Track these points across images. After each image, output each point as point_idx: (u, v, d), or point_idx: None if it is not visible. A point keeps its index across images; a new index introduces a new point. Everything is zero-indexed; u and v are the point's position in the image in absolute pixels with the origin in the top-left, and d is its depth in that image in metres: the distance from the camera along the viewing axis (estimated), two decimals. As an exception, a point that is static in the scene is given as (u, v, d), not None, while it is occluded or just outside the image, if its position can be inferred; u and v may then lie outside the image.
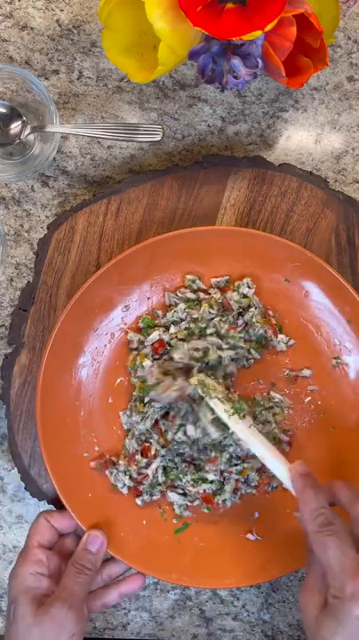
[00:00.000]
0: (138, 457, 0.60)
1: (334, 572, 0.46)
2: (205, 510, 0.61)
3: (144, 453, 0.60)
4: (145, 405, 0.60)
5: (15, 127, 0.62)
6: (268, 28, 0.47)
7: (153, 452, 0.60)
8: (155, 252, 0.59)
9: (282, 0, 0.47)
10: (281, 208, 0.62)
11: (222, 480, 0.60)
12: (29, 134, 0.61)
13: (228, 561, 0.59)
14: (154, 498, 0.61)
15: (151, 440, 0.60)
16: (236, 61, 0.51)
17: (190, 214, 0.62)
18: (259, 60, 0.51)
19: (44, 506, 0.64)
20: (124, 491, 0.60)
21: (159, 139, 0.59)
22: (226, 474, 0.60)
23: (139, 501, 0.60)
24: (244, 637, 0.66)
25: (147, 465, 0.60)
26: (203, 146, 0.64)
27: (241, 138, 0.63)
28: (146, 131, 0.59)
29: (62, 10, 0.63)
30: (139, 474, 0.60)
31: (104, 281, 0.58)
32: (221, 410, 0.55)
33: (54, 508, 0.62)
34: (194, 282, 0.61)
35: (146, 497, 0.60)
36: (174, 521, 0.61)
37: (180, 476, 0.60)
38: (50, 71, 0.63)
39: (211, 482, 0.60)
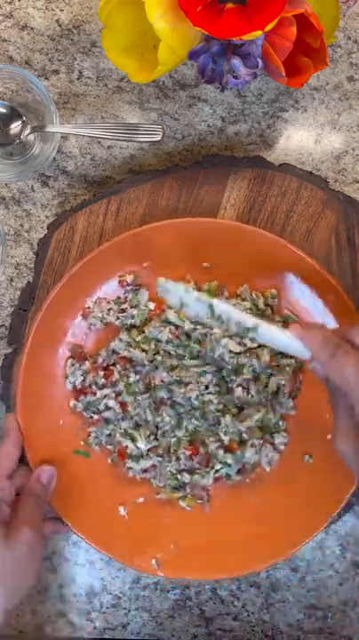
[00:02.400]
0: (100, 372, 0.61)
1: (357, 391, 0.43)
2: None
3: (106, 376, 0.61)
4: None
5: (15, 127, 0.62)
6: (268, 28, 0.47)
7: (114, 379, 0.61)
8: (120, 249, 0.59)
9: (282, 0, 0.47)
10: (281, 208, 0.62)
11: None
12: (29, 134, 0.61)
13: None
14: (92, 418, 0.62)
15: (115, 367, 0.61)
16: (236, 61, 0.51)
17: (190, 214, 0.62)
18: (259, 60, 0.51)
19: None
20: (68, 386, 0.62)
21: (159, 139, 0.59)
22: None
23: (72, 405, 0.62)
24: (244, 637, 0.66)
25: (102, 386, 0.61)
26: (203, 146, 0.64)
27: (241, 138, 0.63)
28: (146, 131, 0.59)
29: (62, 10, 0.63)
30: (90, 386, 0.62)
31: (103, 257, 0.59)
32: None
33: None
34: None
35: (79, 406, 0.62)
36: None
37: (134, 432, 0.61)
38: (50, 71, 0.63)
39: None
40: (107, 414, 0.62)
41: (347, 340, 0.47)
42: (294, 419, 0.62)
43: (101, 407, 0.61)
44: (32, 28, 0.63)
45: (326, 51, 0.52)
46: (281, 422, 0.61)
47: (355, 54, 0.63)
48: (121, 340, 0.61)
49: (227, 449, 0.61)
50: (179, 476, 0.61)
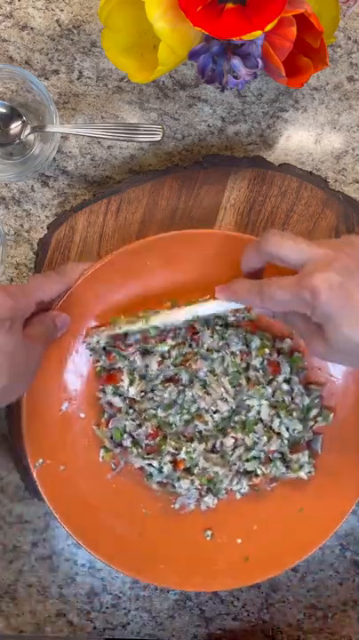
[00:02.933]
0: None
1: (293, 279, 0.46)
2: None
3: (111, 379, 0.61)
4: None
5: (15, 127, 0.62)
6: (268, 28, 0.47)
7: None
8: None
9: (282, 0, 0.47)
10: (281, 208, 0.62)
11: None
12: (29, 134, 0.61)
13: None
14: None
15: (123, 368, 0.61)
16: (236, 61, 0.51)
17: (190, 214, 0.62)
18: (259, 60, 0.51)
19: (44, 506, 0.64)
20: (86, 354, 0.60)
21: (159, 139, 0.59)
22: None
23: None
24: (244, 637, 0.66)
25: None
26: (203, 146, 0.64)
27: (241, 138, 0.63)
28: (146, 131, 0.59)
29: (62, 10, 0.63)
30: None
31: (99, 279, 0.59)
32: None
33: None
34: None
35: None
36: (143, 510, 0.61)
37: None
38: (50, 71, 0.63)
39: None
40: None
41: (262, 270, 0.51)
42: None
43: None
44: (32, 28, 0.63)
45: (326, 51, 0.52)
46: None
47: (355, 54, 0.63)
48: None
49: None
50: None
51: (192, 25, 0.48)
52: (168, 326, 0.58)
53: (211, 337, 0.60)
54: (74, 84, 0.63)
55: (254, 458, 0.60)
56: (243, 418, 0.60)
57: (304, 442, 0.61)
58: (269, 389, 0.60)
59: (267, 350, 0.60)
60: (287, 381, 0.60)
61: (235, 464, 0.60)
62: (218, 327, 0.60)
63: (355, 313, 0.43)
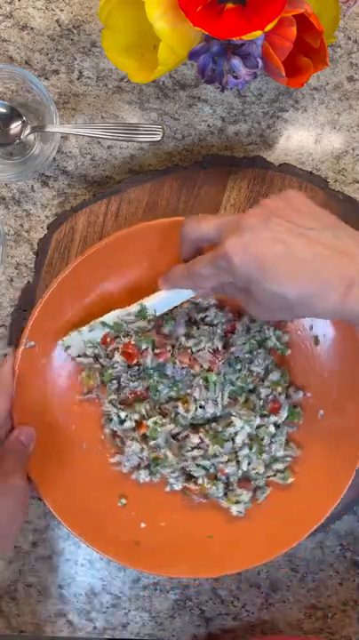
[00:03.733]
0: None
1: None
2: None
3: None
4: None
5: (15, 127, 0.62)
6: (268, 28, 0.47)
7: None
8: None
9: (282, 0, 0.47)
10: (281, 208, 0.62)
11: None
12: (29, 134, 0.61)
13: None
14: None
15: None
16: (236, 61, 0.51)
17: (190, 214, 0.62)
18: (259, 60, 0.51)
19: (44, 506, 0.64)
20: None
21: (159, 139, 0.59)
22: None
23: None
24: (244, 637, 0.66)
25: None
26: (203, 146, 0.64)
27: (241, 138, 0.63)
28: (146, 131, 0.59)
29: (62, 10, 0.63)
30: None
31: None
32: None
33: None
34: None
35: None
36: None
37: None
38: (50, 71, 0.63)
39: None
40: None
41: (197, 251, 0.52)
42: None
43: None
44: (32, 28, 0.63)
45: (326, 51, 0.52)
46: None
47: (355, 54, 0.63)
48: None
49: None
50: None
51: (192, 25, 0.48)
52: (121, 322, 0.58)
53: (244, 344, 0.60)
54: (74, 83, 0.63)
55: (204, 468, 0.60)
56: (219, 429, 0.60)
57: (254, 485, 0.61)
58: (257, 421, 0.60)
59: (279, 389, 0.60)
60: (276, 426, 0.60)
61: (186, 461, 0.60)
62: (253, 340, 0.60)
63: (268, 267, 0.43)
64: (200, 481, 0.60)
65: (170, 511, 0.61)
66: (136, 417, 0.60)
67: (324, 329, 0.60)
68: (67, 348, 0.59)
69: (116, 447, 0.62)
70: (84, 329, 0.58)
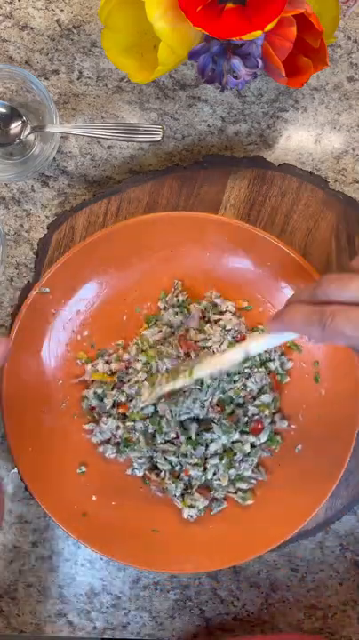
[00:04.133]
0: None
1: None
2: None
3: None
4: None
5: (15, 127, 0.62)
6: (268, 28, 0.47)
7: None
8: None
9: (282, 0, 0.47)
10: (281, 208, 0.62)
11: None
12: (29, 134, 0.61)
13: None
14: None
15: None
16: (236, 61, 0.51)
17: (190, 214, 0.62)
18: (259, 60, 0.51)
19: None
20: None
21: (159, 139, 0.59)
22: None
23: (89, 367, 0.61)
24: (244, 637, 0.66)
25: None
26: (203, 146, 0.64)
27: (241, 138, 0.63)
28: (146, 131, 0.59)
29: (62, 10, 0.63)
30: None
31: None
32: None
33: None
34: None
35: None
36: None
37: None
38: (50, 71, 0.63)
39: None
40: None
41: (321, 300, 0.44)
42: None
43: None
44: (32, 28, 0.63)
45: (326, 51, 0.52)
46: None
47: (355, 54, 0.63)
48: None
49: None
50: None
51: (192, 25, 0.48)
52: (216, 375, 0.56)
53: (248, 359, 0.59)
54: (74, 83, 0.63)
55: (170, 463, 0.60)
56: (197, 431, 0.60)
57: (213, 495, 0.61)
58: (236, 436, 0.60)
59: (267, 412, 0.60)
60: (252, 446, 0.60)
61: (156, 452, 0.60)
62: (257, 358, 0.60)
63: None
64: (162, 474, 0.61)
65: (124, 493, 0.61)
66: (122, 398, 0.60)
67: (328, 370, 0.60)
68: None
69: (92, 417, 0.62)
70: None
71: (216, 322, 0.61)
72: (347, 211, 0.61)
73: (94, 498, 0.61)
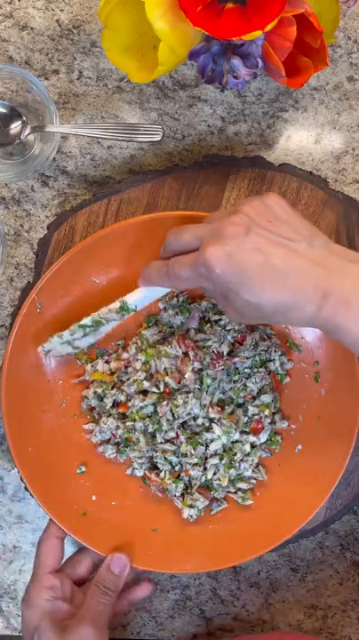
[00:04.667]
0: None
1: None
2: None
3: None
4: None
5: (15, 127, 0.62)
6: (268, 27, 0.47)
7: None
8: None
9: (282, 0, 0.47)
10: (281, 208, 0.62)
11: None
12: (29, 134, 0.61)
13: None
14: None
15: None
16: (236, 61, 0.51)
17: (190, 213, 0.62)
18: (259, 60, 0.51)
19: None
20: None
21: (159, 139, 0.59)
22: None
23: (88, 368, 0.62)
24: (244, 637, 0.66)
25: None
26: (203, 146, 0.64)
27: (241, 138, 0.63)
28: (146, 131, 0.59)
29: (62, 10, 0.63)
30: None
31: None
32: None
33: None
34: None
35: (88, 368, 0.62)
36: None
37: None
38: (50, 71, 0.63)
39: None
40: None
41: (169, 254, 0.51)
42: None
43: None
44: (32, 28, 0.63)
45: (326, 51, 0.52)
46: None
47: (355, 54, 0.63)
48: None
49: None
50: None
51: (192, 25, 0.48)
52: (103, 321, 0.57)
53: (248, 359, 0.60)
54: (74, 83, 0.63)
55: (171, 463, 0.60)
56: (197, 430, 0.60)
57: (213, 495, 0.61)
58: (236, 436, 0.60)
59: (267, 412, 0.60)
60: (253, 446, 0.60)
61: (156, 451, 0.60)
62: (258, 358, 0.60)
63: (247, 278, 0.44)
64: (162, 475, 0.60)
65: (124, 493, 0.61)
66: (122, 398, 0.60)
67: (329, 371, 0.60)
68: (48, 351, 0.59)
69: (92, 417, 0.62)
70: (65, 333, 0.58)
71: (216, 322, 0.61)
72: (347, 211, 0.61)
73: (94, 498, 0.61)
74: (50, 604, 0.56)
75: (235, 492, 0.61)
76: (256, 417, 0.60)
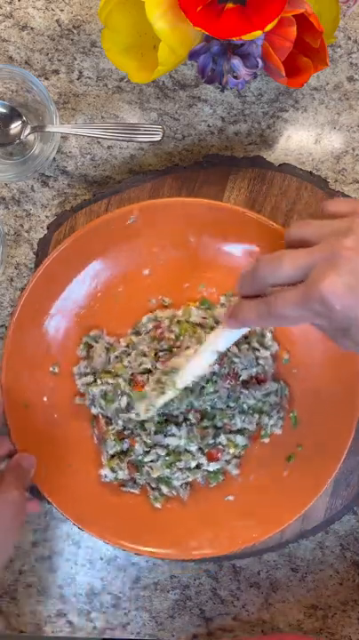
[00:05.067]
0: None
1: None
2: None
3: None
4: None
5: (15, 127, 0.62)
6: (268, 28, 0.47)
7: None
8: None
9: (282, 0, 0.47)
10: (281, 208, 0.62)
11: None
12: (29, 134, 0.61)
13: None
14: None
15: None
16: (236, 61, 0.51)
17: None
18: (259, 60, 0.51)
19: (45, 506, 0.64)
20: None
21: (159, 139, 0.59)
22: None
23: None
24: (244, 637, 0.66)
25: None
26: (203, 146, 0.64)
27: (241, 138, 0.63)
28: (146, 131, 0.59)
29: (62, 10, 0.63)
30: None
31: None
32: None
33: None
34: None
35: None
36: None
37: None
38: (50, 71, 0.63)
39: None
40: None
41: (262, 286, 0.45)
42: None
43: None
44: (32, 28, 0.63)
45: (326, 51, 0.52)
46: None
47: (355, 54, 0.63)
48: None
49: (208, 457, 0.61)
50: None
51: (192, 25, 0.48)
52: (197, 380, 0.55)
53: (252, 400, 0.60)
54: (74, 83, 0.63)
55: (124, 424, 0.60)
56: (172, 418, 0.60)
57: (137, 476, 0.61)
58: (193, 448, 0.59)
59: (231, 450, 0.60)
60: (197, 467, 0.60)
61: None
62: (260, 404, 0.60)
63: None
64: (108, 428, 0.60)
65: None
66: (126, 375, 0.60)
67: (328, 369, 0.60)
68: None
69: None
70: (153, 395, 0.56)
71: (254, 349, 0.60)
72: (347, 211, 0.61)
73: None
74: None
75: (153, 489, 0.61)
76: (219, 447, 0.60)
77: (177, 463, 0.60)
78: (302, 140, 0.63)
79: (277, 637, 0.63)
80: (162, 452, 0.60)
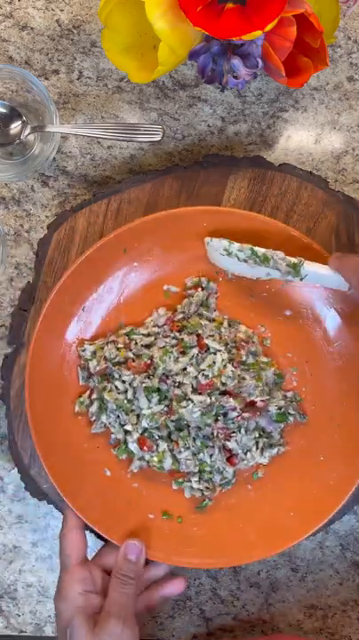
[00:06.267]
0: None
1: None
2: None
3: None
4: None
5: (15, 127, 0.62)
6: (268, 27, 0.47)
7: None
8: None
9: (282, 0, 0.47)
10: (281, 208, 0.62)
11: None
12: (29, 134, 0.61)
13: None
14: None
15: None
16: (236, 61, 0.51)
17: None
18: (259, 60, 0.51)
19: (44, 506, 0.64)
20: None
21: (159, 139, 0.59)
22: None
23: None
24: (244, 637, 0.66)
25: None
26: (203, 146, 0.64)
27: (241, 138, 0.63)
28: (146, 131, 0.59)
29: (62, 10, 0.63)
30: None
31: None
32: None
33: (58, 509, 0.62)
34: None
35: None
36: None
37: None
38: (50, 71, 0.63)
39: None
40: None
41: None
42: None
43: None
44: (32, 28, 0.63)
45: (326, 51, 0.52)
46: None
47: (355, 54, 0.63)
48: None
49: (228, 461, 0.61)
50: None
51: (192, 25, 0.48)
52: (270, 262, 0.55)
53: (251, 430, 0.60)
54: (74, 83, 0.63)
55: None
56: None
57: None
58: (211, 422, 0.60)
59: (207, 472, 0.60)
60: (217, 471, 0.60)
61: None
62: (261, 441, 0.60)
63: None
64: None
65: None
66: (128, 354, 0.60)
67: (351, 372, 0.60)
68: (208, 245, 0.58)
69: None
70: (235, 244, 0.56)
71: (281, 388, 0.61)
72: (347, 211, 0.61)
73: (107, 472, 0.61)
74: (82, 597, 0.55)
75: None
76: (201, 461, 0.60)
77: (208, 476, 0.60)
78: (302, 139, 0.63)
79: (277, 637, 0.63)
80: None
